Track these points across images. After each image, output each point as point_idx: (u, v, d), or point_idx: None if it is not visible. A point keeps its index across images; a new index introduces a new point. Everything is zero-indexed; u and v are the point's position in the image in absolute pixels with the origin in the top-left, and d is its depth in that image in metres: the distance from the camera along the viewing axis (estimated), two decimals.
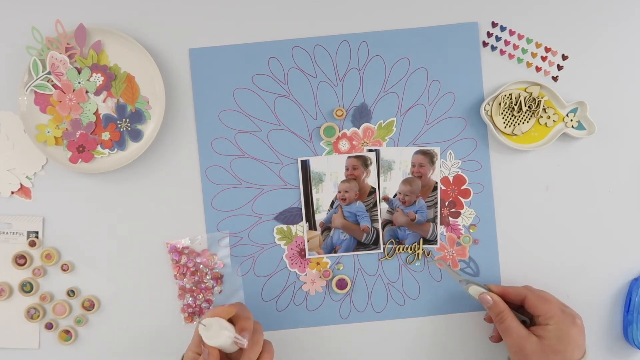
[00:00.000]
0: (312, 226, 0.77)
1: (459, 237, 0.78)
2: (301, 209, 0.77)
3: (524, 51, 0.77)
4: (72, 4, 0.76)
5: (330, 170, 0.77)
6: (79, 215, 0.77)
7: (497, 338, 0.75)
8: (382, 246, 0.77)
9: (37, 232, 0.77)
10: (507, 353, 0.72)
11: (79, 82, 0.74)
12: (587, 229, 0.78)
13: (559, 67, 0.78)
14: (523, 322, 0.71)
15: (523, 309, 0.73)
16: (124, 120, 0.75)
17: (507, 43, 0.77)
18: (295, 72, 0.77)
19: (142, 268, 0.77)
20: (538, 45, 0.77)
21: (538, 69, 0.78)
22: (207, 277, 0.76)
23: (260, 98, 0.77)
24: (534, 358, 0.68)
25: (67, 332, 0.76)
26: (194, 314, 0.77)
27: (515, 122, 0.76)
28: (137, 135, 0.75)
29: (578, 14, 0.78)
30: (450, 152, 0.77)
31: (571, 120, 0.76)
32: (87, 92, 0.75)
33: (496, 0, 0.77)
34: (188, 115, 0.77)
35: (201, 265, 0.76)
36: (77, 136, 0.75)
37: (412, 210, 0.77)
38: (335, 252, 0.77)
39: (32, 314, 0.76)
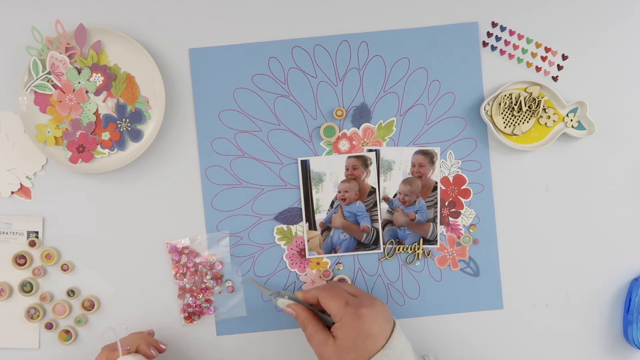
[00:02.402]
0: (312, 226, 0.77)
1: (459, 237, 0.78)
2: (301, 209, 0.77)
3: (524, 51, 0.77)
4: (72, 4, 0.76)
5: (330, 170, 0.77)
6: (79, 215, 0.77)
7: None
8: (382, 246, 0.77)
9: (37, 232, 0.76)
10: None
11: (79, 82, 0.74)
12: (587, 229, 0.78)
13: (559, 67, 0.78)
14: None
15: None
16: (124, 120, 0.75)
17: (507, 43, 0.77)
18: (295, 72, 0.77)
19: (142, 268, 0.77)
20: (538, 45, 0.77)
21: (538, 69, 0.78)
22: (207, 277, 0.76)
23: (260, 98, 0.77)
24: None
25: (67, 332, 0.76)
26: (194, 313, 0.77)
27: (515, 122, 0.76)
28: (137, 135, 0.75)
29: (578, 14, 0.78)
30: (450, 152, 0.77)
31: (571, 120, 0.76)
32: (87, 92, 0.75)
33: (496, 0, 0.77)
34: (188, 115, 0.77)
35: (200, 266, 0.76)
36: (77, 136, 0.75)
37: (412, 210, 0.77)
38: (335, 252, 0.77)
39: (32, 314, 0.76)
